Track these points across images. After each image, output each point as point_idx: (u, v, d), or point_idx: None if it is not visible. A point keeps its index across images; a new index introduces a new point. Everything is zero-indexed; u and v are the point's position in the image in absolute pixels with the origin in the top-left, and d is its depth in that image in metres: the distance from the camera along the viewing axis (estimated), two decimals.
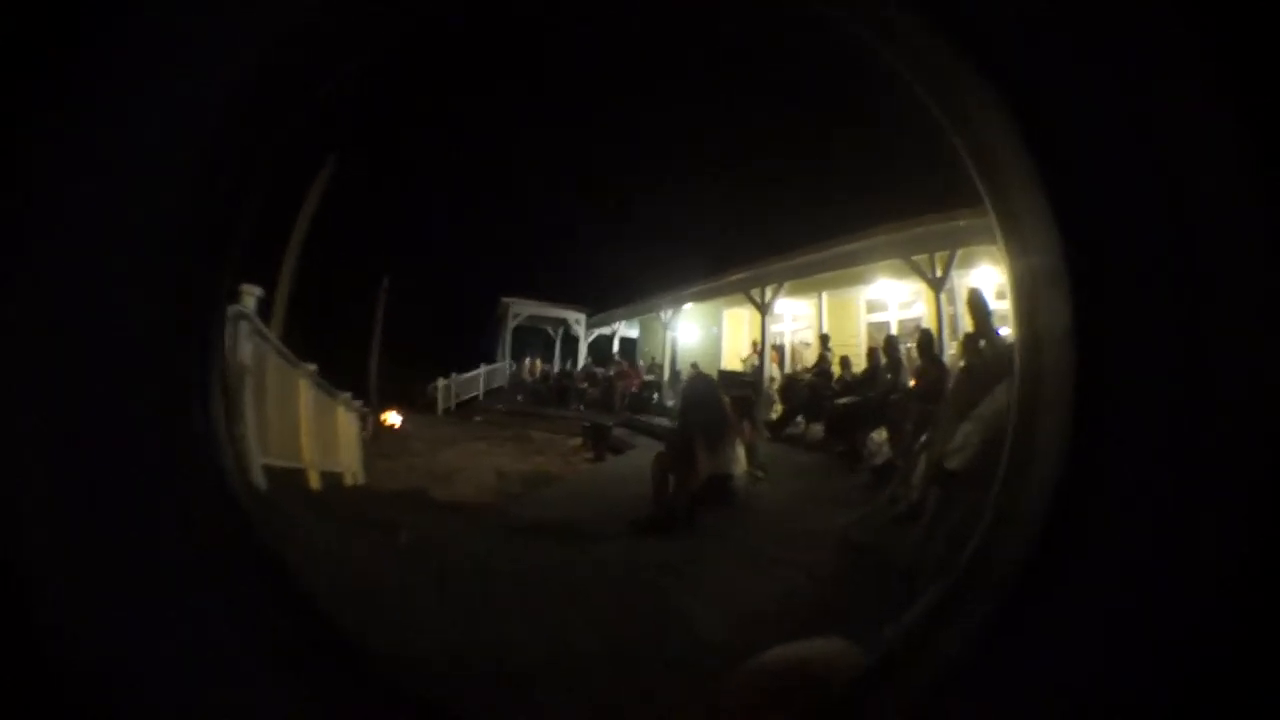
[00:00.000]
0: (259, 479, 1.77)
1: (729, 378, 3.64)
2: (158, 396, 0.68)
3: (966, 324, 2.67)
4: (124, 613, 0.65)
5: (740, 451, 2.77)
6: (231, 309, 1.86)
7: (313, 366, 2.57)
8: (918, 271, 3.01)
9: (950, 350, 2.75)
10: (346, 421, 2.90)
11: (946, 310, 2.91)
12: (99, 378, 0.66)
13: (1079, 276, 0.68)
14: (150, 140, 0.68)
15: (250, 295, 1.97)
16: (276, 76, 0.73)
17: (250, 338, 1.97)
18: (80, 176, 0.66)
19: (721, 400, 2.97)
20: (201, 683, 0.66)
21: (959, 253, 2.77)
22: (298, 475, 2.41)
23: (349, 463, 2.88)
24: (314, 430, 2.51)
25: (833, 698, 0.78)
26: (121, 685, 0.65)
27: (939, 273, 2.91)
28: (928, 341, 2.82)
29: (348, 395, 2.89)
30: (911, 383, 2.80)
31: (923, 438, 2.38)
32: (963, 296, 2.81)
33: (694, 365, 3.87)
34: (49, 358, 0.65)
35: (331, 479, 2.65)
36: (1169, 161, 0.66)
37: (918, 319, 3.10)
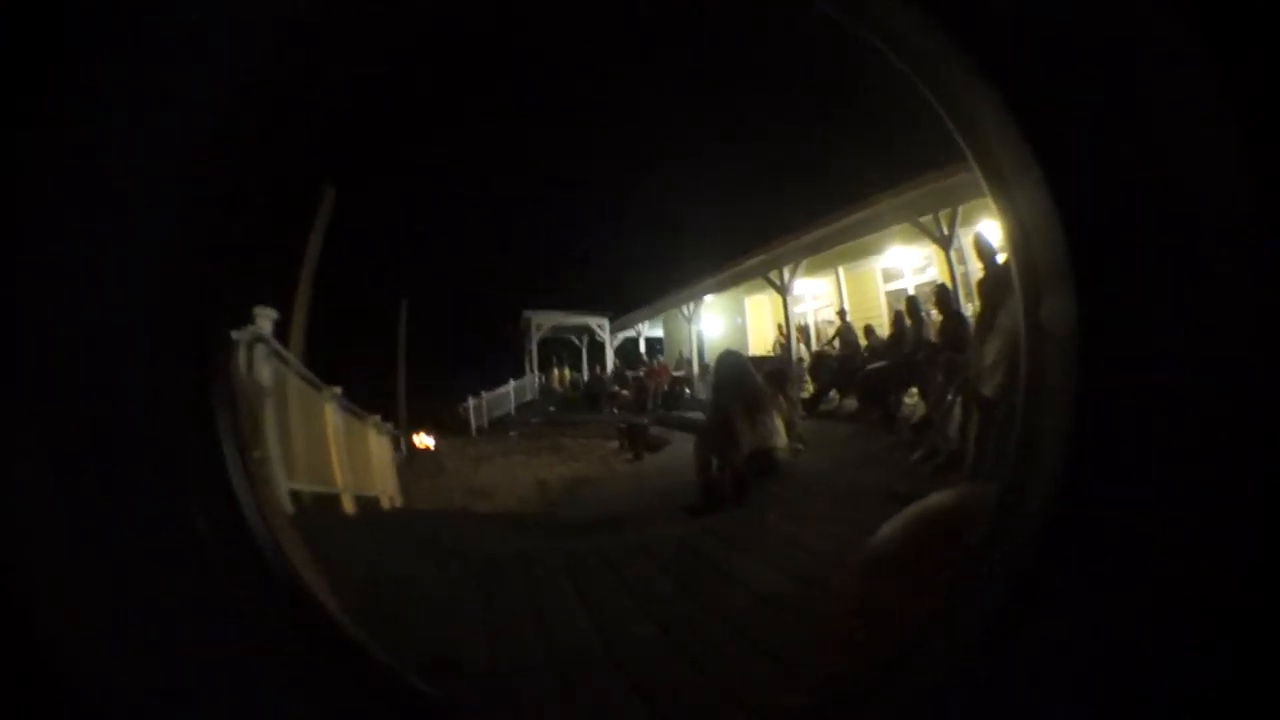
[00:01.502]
0: (284, 503, 1.77)
1: (759, 361, 3.62)
2: (157, 418, 0.68)
3: (977, 273, 2.70)
4: (138, 645, 0.64)
5: (779, 424, 2.75)
6: (248, 331, 1.87)
7: (338, 389, 2.57)
8: (926, 232, 3.01)
9: (968, 306, 2.75)
10: (379, 445, 2.89)
11: (958, 269, 2.92)
12: (95, 398, 0.66)
13: (1069, 223, 0.67)
14: (145, 153, 0.68)
15: (265, 318, 1.97)
16: (272, 88, 0.74)
17: (268, 360, 1.97)
18: (73, 190, 0.66)
19: (754, 374, 2.96)
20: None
21: (961, 210, 2.78)
22: (331, 500, 2.40)
23: (385, 486, 2.87)
24: (345, 453, 2.49)
25: (970, 541, 0.77)
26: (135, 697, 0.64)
27: (945, 231, 2.93)
28: (945, 295, 2.81)
29: (377, 418, 2.90)
30: (935, 339, 2.79)
31: (950, 392, 2.37)
32: (971, 253, 2.83)
33: (727, 350, 3.84)
34: (42, 387, 0.65)
35: (367, 502, 2.65)
36: (1153, 112, 0.65)
37: (932, 282, 3.10)
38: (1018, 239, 0.82)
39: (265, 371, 1.95)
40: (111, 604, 0.64)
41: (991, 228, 2.32)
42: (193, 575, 0.66)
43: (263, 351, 1.93)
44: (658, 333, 4.81)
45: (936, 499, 0.94)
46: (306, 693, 0.68)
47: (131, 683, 0.64)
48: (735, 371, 3.10)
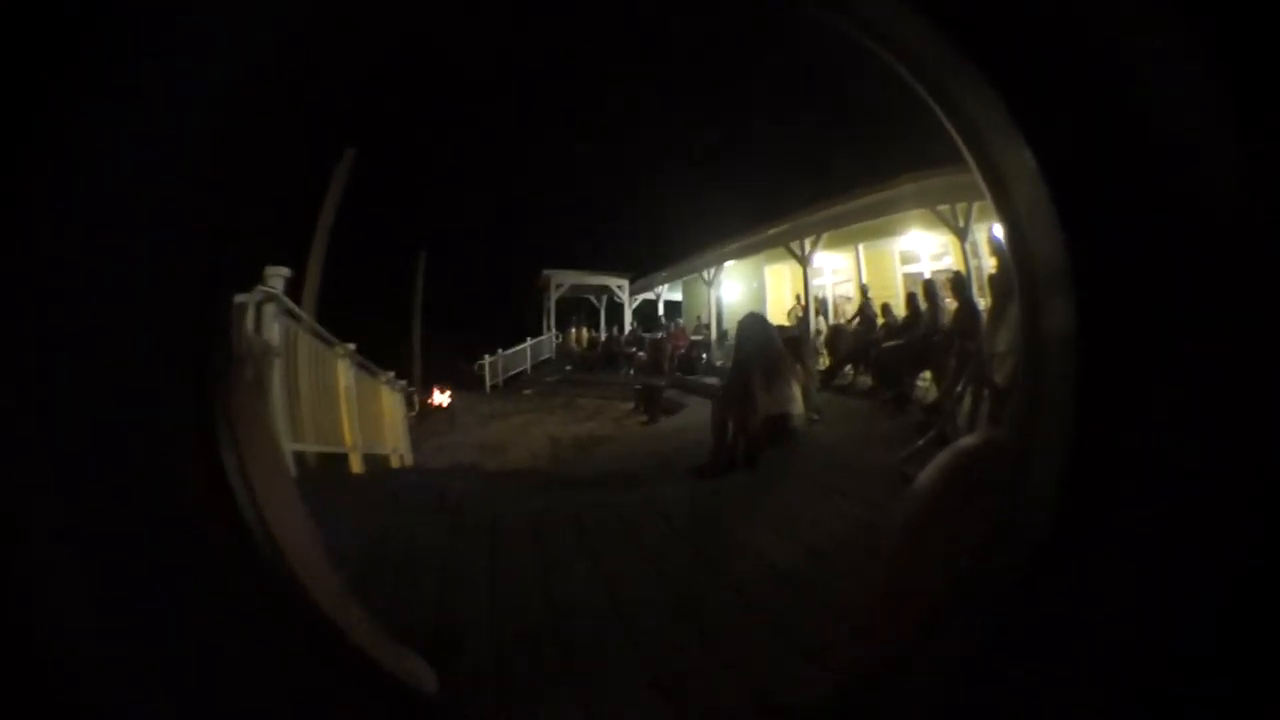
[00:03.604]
0: (287, 466, 1.72)
1: (777, 330, 3.58)
2: (151, 384, 0.68)
3: (990, 268, 2.69)
4: (124, 616, 0.65)
5: (797, 391, 2.69)
6: (258, 291, 1.86)
7: (351, 346, 2.55)
8: (944, 221, 2.99)
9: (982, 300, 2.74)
10: (391, 402, 2.87)
11: (972, 261, 2.90)
12: (90, 364, 0.66)
13: (1068, 225, 0.66)
14: (153, 122, 0.68)
15: (277, 276, 1.94)
16: (295, 54, 0.73)
17: (279, 319, 1.93)
18: (80, 164, 0.66)
19: (777, 338, 2.89)
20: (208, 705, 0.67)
21: (977, 206, 2.76)
22: (338, 460, 2.38)
23: (396, 443, 2.87)
24: (355, 412, 2.46)
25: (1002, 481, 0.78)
26: (114, 694, 0.65)
27: (962, 222, 2.91)
28: (960, 282, 2.79)
29: (390, 374, 2.88)
30: (949, 324, 2.76)
31: (962, 380, 2.35)
32: (985, 250, 2.82)
33: (751, 313, 3.77)
34: (42, 347, 0.65)
35: (376, 461, 2.64)
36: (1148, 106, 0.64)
37: (948, 269, 3.08)
38: (1016, 240, 0.81)
39: (275, 330, 1.92)
40: (103, 586, 0.65)
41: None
42: (185, 554, 0.67)
43: (272, 310, 1.90)
44: (677, 296, 4.78)
45: (964, 441, 0.94)
46: (298, 679, 0.69)
47: (117, 666, 0.65)
48: (758, 334, 3.00)
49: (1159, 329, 0.66)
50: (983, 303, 2.63)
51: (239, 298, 1.72)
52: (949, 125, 0.86)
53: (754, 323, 3.23)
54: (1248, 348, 0.65)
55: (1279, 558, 0.64)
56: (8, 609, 0.65)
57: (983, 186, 0.83)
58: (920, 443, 2.36)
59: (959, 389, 2.37)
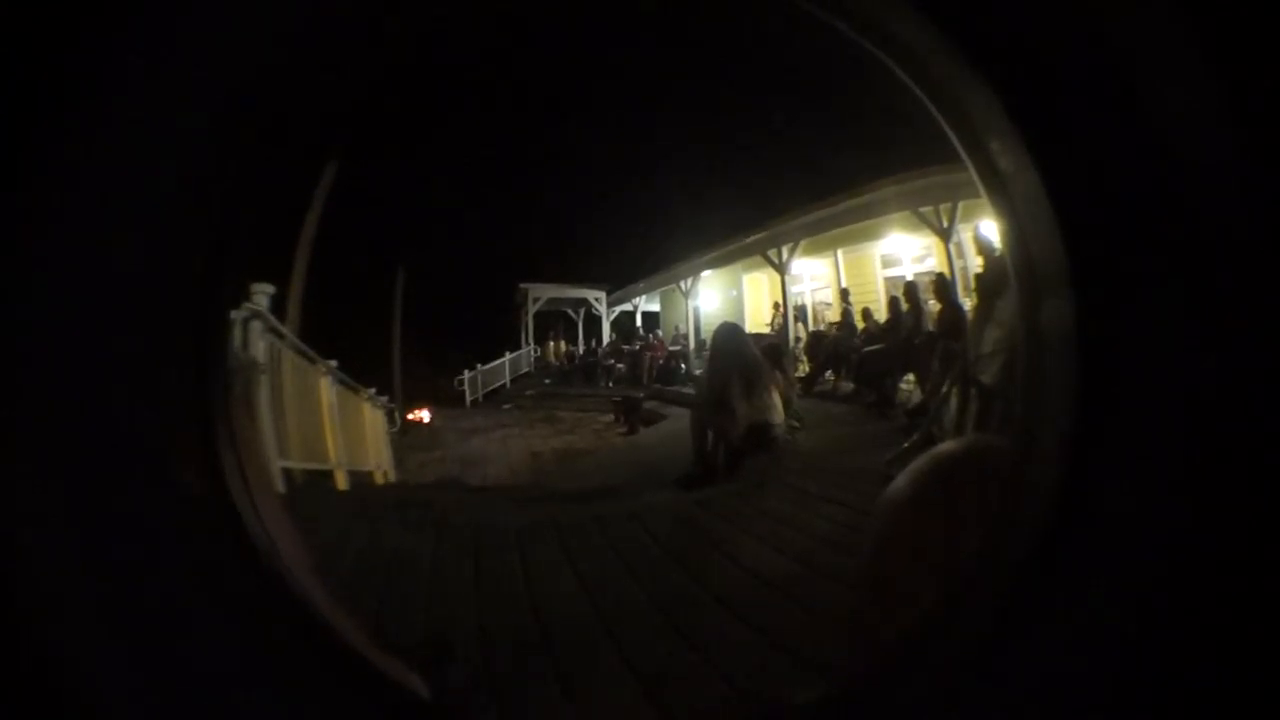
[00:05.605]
0: (276, 482, 1.72)
1: (755, 338, 3.58)
2: (152, 402, 0.66)
3: (976, 268, 2.70)
4: (121, 630, 0.63)
5: (776, 398, 2.69)
6: (244, 308, 1.84)
7: (333, 363, 2.54)
8: (927, 223, 3.00)
9: (967, 301, 2.74)
10: (374, 418, 2.86)
11: (957, 262, 2.91)
12: (89, 382, 0.64)
13: (1065, 221, 0.66)
14: (144, 137, 0.66)
15: (262, 293, 1.93)
16: (278, 73, 0.71)
17: (264, 336, 1.92)
18: (73, 177, 0.64)
19: (753, 346, 2.88)
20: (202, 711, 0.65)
21: (962, 206, 2.77)
22: (324, 476, 2.37)
23: (379, 460, 2.85)
24: (339, 429, 2.45)
25: (1004, 489, 0.76)
26: (113, 694, 0.63)
27: (945, 223, 2.92)
28: (944, 284, 2.79)
29: (371, 391, 2.87)
30: (932, 327, 2.77)
31: (947, 381, 2.36)
32: (970, 248, 2.83)
33: (724, 323, 3.76)
34: (34, 369, 0.63)
35: (360, 478, 2.62)
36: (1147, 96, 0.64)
37: (931, 271, 3.08)
38: (1014, 237, 0.81)
39: (261, 347, 1.91)
40: (99, 590, 0.63)
41: (991, 224, 2.31)
42: (180, 562, 0.65)
43: (258, 328, 1.89)
44: (654, 307, 4.80)
45: (945, 446, 0.93)
46: (292, 685, 0.67)
47: (113, 669, 0.63)
48: (733, 343, 2.99)
49: (1158, 327, 0.66)
50: (967, 303, 2.64)
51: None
52: (945, 126, 0.86)
53: (727, 332, 3.23)
54: (1248, 345, 0.65)
55: (1279, 558, 0.64)
56: (10, 610, 0.63)
57: (979, 186, 0.82)
58: (906, 445, 2.37)
59: (944, 390, 2.38)
